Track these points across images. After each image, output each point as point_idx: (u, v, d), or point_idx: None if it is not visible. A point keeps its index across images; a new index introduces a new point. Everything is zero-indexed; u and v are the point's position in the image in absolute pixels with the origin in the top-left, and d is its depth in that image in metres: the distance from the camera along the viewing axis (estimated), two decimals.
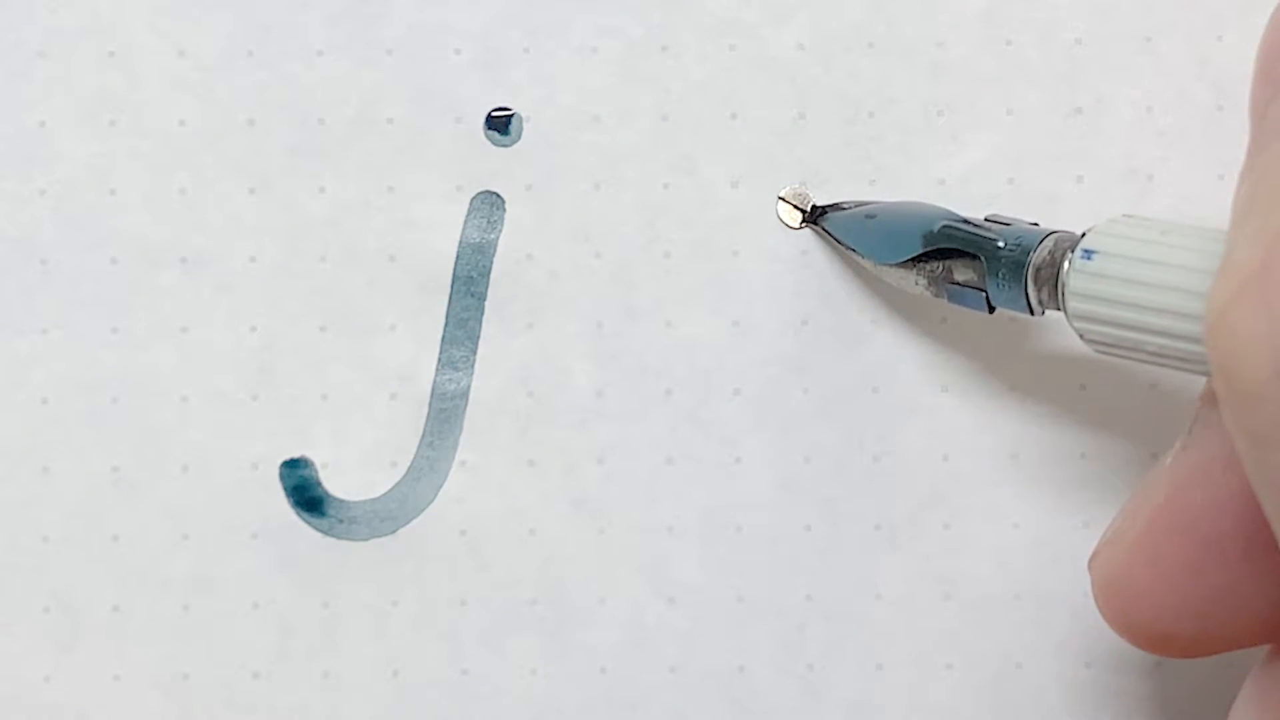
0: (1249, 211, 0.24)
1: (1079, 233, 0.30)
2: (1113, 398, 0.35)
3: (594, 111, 0.36)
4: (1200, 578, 0.27)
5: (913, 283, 0.33)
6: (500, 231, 0.36)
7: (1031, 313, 0.31)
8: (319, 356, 0.35)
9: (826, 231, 0.35)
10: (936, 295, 0.33)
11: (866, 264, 0.34)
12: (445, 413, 0.35)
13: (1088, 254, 0.29)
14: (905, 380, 0.36)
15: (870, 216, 0.34)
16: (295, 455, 0.35)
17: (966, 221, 0.33)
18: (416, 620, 0.35)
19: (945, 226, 0.33)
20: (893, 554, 0.35)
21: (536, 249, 0.36)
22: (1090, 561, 0.30)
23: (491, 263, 0.36)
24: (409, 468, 0.35)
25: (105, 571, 0.35)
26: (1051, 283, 0.30)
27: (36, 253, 0.35)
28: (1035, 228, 0.32)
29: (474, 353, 0.35)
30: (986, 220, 0.33)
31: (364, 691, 0.35)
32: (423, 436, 0.35)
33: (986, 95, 0.36)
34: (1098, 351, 0.29)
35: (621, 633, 0.35)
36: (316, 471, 0.35)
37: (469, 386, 0.35)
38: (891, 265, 0.33)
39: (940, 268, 0.33)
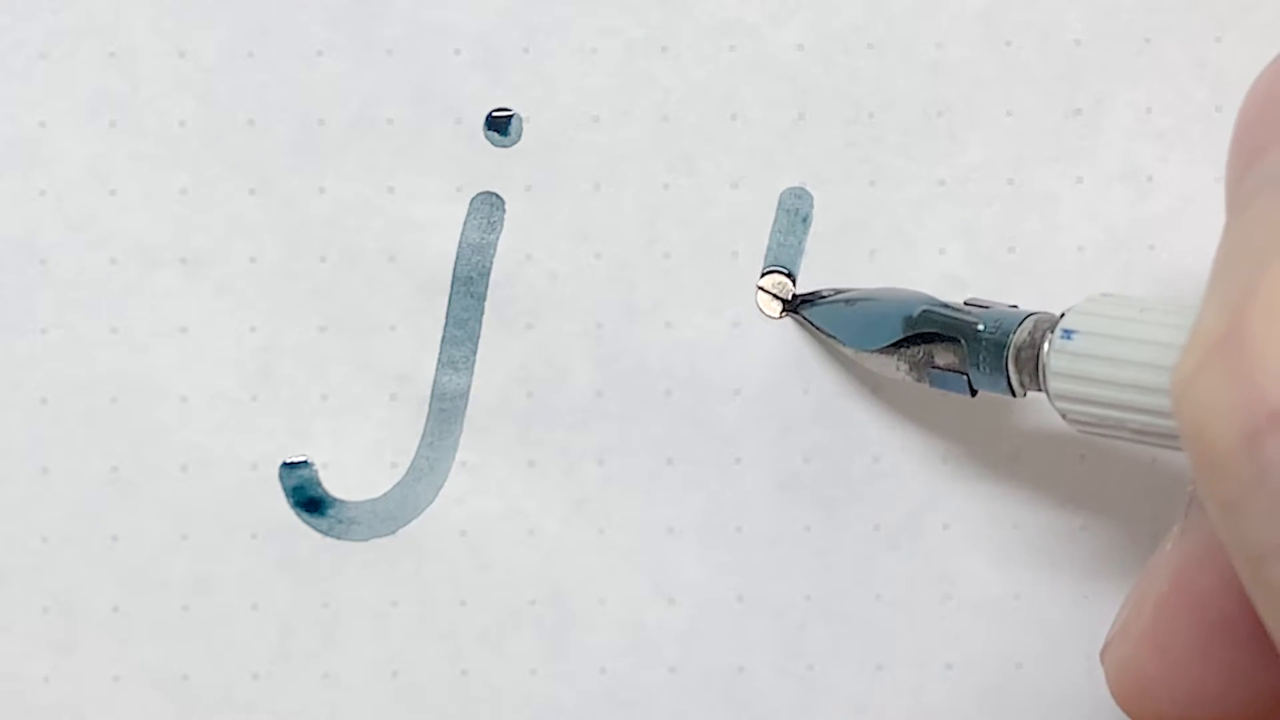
0: (1216, 280, 0.24)
1: (1058, 313, 0.30)
2: None
3: (594, 112, 0.36)
4: (1211, 662, 0.27)
5: (894, 368, 0.33)
6: (500, 232, 0.36)
7: (1014, 394, 0.31)
8: (319, 357, 0.35)
9: (807, 320, 0.35)
10: (918, 380, 0.33)
11: (848, 351, 0.34)
12: (445, 413, 0.35)
13: (1067, 334, 0.29)
14: (905, 381, 0.36)
15: (850, 304, 0.34)
16: (295, 455, 0.35)
17: (946, 305, 0.33)
18: (416, 620, 0.35)
19: (925, 311, 0.33)
20: (892, 554, 0.35)
21: (536, 249, 0.36)
22: (1102, 654, 0.30)
23: (491, 263, 0.36)
24: (409, 468, 0.35)
25: (105, 572, 0.35)
26: (1032, 364, 0.30)
27: (36, 253, 0.35)
28: (1014, 310, 0.32)
29: (474, 353, 0.36)
30: (966, 304, 0.33)
31: (364, 692, 0.35)
32: (423, 437, 0.35)
33: (986, 96, 0.36)
34: (1081, 432, 0.29)
35: (621, 633, 0.35)
36: (316, 472, 0.35)
37: (469, 387, 0.35)
38: (872, 351, 0.33)
39: (921, 352, 0.33)
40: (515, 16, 0.36)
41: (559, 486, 0.35)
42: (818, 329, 0.35)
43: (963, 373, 0.32)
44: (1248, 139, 0.26)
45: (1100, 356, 0.28)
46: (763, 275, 0.35)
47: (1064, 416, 0.29)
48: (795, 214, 0.35)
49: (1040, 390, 0.30)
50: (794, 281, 0.35)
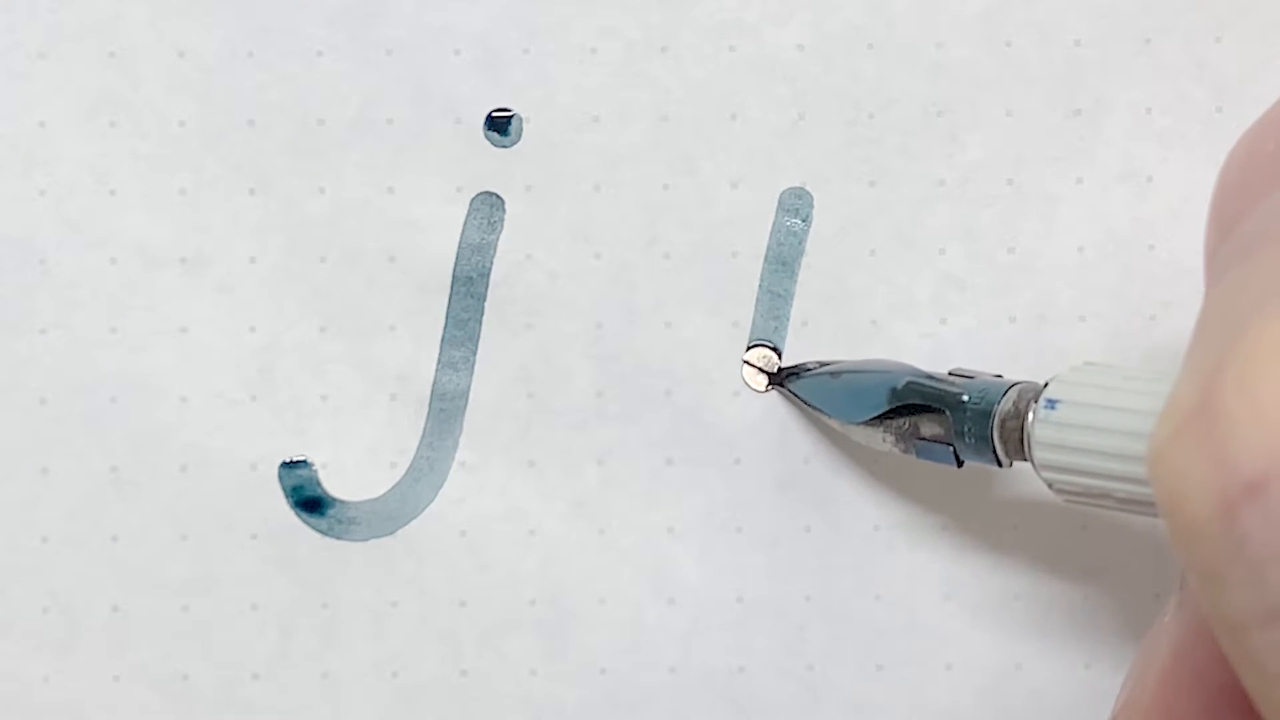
0: (1192, 350, 0.24)
1: (1041, 383, 0.30)
2: None
3: (594, 112, 0.36)
4: None
5: (880, 440, 0.33)
6: (500, 232, 0.36)
7: (1000, 465, 0.31)
8: (319, 357, 0.35)
9: (792, 393, 0.35)
10: (905, 451, 0.33)
11: (834, 424, 0.34)
12: (445, 413, 0.35)
13: (1051, 404, 0.29)
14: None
15: (835, 376, 0.34)
16: (295, 455, 0.35)
17: (930, 377, 0.33)
18: (416, 621, 0.35)
19: (910, 383, 0.33)
20: (892, 555, 0.35)
21: (536, 250, 0.36)
22: None
23: (491, 263, 0.36)
24: (408, 468, 0.35)
25: (104, 572, 0.35)
26: (1017, 434, 0.30)
27: (36, 253, 0.35)
28: (999, 380, 0.32)
29: (474, 353, 0.36)
30: (950, 375, 0.33)
31: (363, 692, 0.35)
32: (422, 437, 0.35)
33: (986, 96, 0.36)
34: (1067, 501, 0.29)
35: (621, 633, 0.35)
36: (316, 472, 0.35)
37: (469, 387, 0.35)
38: (858, 424, 0.33)
39: (907, 424, 0.33)
40: (515, 16, 0.36)
41: (559, 487, 0.35)
42: (804, 402, 0.35)
43: (948, 444, 0.32)
44: (1223, 210, 0.27)
45: (1084, 426, 0.28)
46: (748, 349, 0.35)
47: (1050, 486, 0.29)
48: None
49: (1026, 460, 0.30)
50: (779, 355, 0.35)
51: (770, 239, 0.36)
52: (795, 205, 0.36)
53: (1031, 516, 0.36)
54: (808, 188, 0.36)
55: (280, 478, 0.35)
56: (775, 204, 0.36)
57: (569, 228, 0.36)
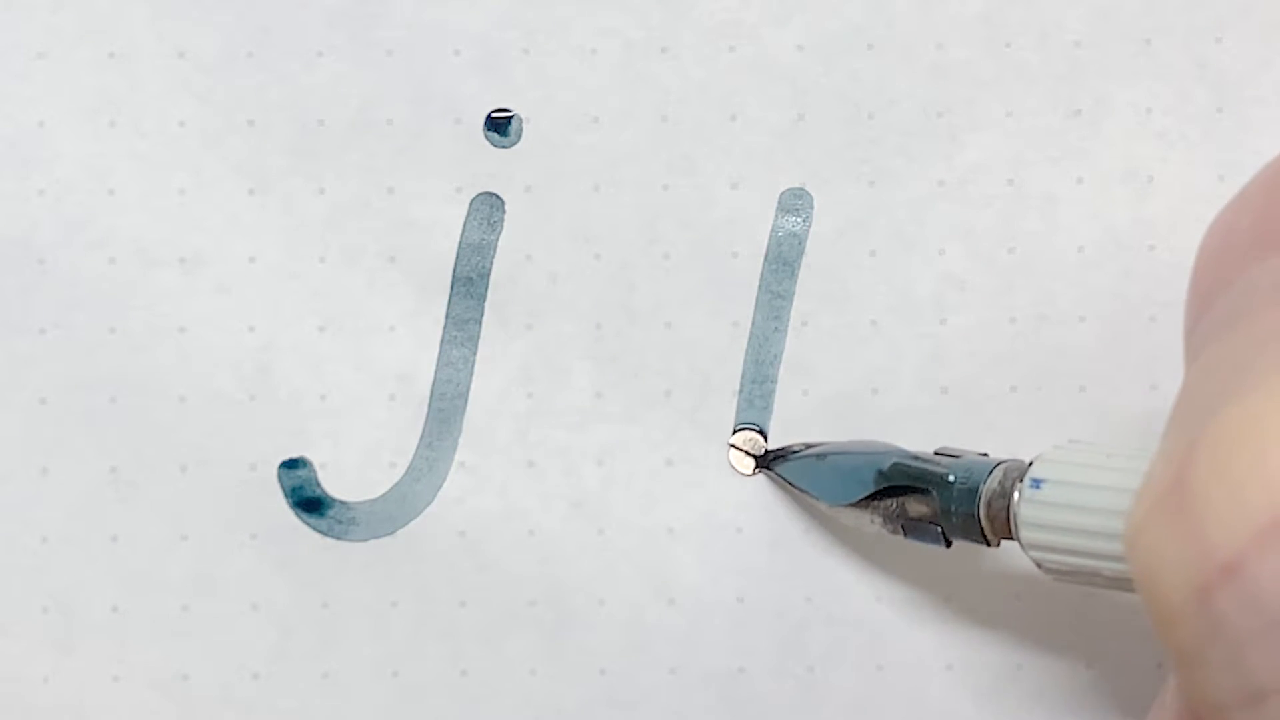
0: (1169, 429, 0.24)
1: (1027, 461, 0.30)
2: (1115, 399, 0.35)
3: (593, 113, 0.36)
4: None
5: (868, 522, 0.33)
6: (500, 232, 0.36)
7: (988, 544, 0.31)
8: (318, 357, 0.35)
9: (779, 476, 0.35)
10: (893, 533, 0.33)
11: (822, 506, 0.34)
12: (444, 413, 0.35)
13: (1036, 483, 0.29)
14: (905, 382, 0.36)
15: (821, 458, 0.34)
16: (294, 456, 0.35)
17: (915, 457, 0.33)
18: (416, 621, 0.35)
19: (896, 464, 0.33)
20: (892, 555, 0.35)
21: (536, 250, 0.36)
22: None
23: (491, 264, 0.36)
24: (408, 468, 0.35)
25: (104, 572, 0.35)
26: (1004, 514, 0.30)
27: (35, 252, 0.35)
28: (984, 459, 0.32)
29: (474, 353, 0.35)
30: (936, 454, 0.33)
31: (363, 692, 0.35)
32: (422, 437, 0.35)
33: (986, 97, 0.36)
34: (1056, 580, 0.29)
35: (621, 633, 0.35)
36: (315, 472, 0.35)
37: (468, 387, 0.35)
38: (846, 506, 0.33)
39: (894, 505, 0.33)
40: (515, 17, 0.36)
41: (559, 487, 0.35)
42: (791, 484, 0.35)
43: (936, 524, 0.32)
44: (1201, 285, 0.27)
45: (1069, 505, 0.28)
46: (734, 432, 0.35)
47: (1039, 566, 0.29)
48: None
49: (1014, 539, 0.30)
50: (765, 438, 0.35)
51: (770, 239, 0.36)
52: (795, 205, 0.36)
53: None
54: (808, 188, 0.36)
55: (280, 478, 0.35)
56: (775, 204, 0.36)
57: (569, 228, 0.36)
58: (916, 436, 0.36)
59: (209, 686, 0.35)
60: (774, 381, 0.35)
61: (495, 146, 0.36)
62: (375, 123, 0.35)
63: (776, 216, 0.36)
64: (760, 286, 0.36)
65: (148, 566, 0.35)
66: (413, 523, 0.35)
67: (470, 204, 0.36)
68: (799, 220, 0.36)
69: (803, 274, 0.36)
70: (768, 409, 0.35)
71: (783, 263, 0.36)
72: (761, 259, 0.36)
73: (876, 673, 0.35)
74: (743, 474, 0.35)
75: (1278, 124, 0.36)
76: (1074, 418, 0.35)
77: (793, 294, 0.36)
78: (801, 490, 0.35)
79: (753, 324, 0.36)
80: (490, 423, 0.35)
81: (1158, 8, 0.36)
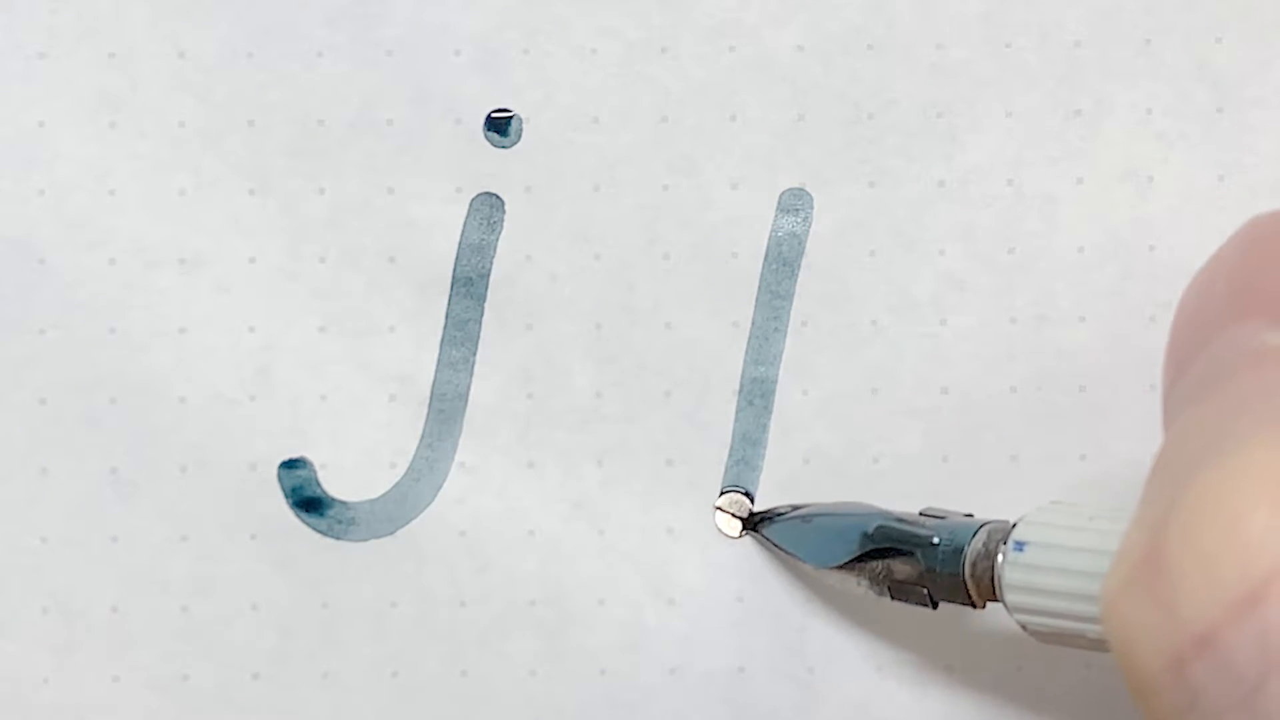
0: (1144, 496, 0.24)
1: (1010, 522, 0.30)
2: (1115, 399, 0.35)
3: (593, 113, 0.36)
4: None
5: (854, 584, 0.33)
6: (500, 233, 0.36)
7: (974, 606, 0.31)
8: (318, 357, 0.35)
9: (766, 539, 0.35)
10: (880, 595, 0.33)
11: (808, 568, 0.34)
12: (444, 414, 0.35)
13: (1019, 546, 0.29)
14: (905, 381, 0.36)
15: (806, 521, 0.34)
16: (294, 456, 0.35)
17: (900, 520, 0.33)
18: (416, 621, 0.35)
19: (880, 526, 0.33)
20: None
21: (536, 250, 0.36)
22: None
23: (491, 264, 0.36)
24: (408, 468, 0.35)
25: (104, 572, 0.35)
26: (988, 576, 0.31)
27: (35, 253, 0.35)
28: (969, 520, 0.32)
29: (473, 354, 0.35)
30: (921, 513, 0.33)
31: (363, 692, 0.35)
32: (422, 437, 0.35)
33: (986, 97, 0.36)
34: (1041, 641, 0.29)
35: (621, 634, 0.35)
36: (315, 472, 0.35)
37: (468, 387, 0.35)
38: (831, 569, 0.33)
39: (880, 567, 0.33)
40: (515, 17, 0.36)
41: (559, 487, 0.35)
42: (777, 547, 0.35)
43: (922, 586, 0.32)
44: (1177, 349, 0.27)
45: (1052, 568, 0.28)
46: (721, 494, 0.35)
47: (1024, 628, 0.29)
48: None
49: (999, 601, 0.30)
50: (752, 500, 0.35)
51: (770, 239, 0.36)
52: (795, 205, 0.36)
53: (1030, 509, 0.36)
54: (808, 188, 0.36)
55: (280, 478, 0.35)
56: (775, 204, 0.36)
57: (568, 228, 0.36)
58: (915, 438, 0.36)
59: (209, 687, 0.35)
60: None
61: (495, 146, 0.36)
62: (375, 123, 0.35)
63: (776, 216, 0.36)
64: (760, 286, 0.36)
65: (148, 567, 0.35)
66: (413, 523, 0.35)
67: (470, 204, 0.36)
68: (799, 220, 0.36)
69: (803, 274, 0.36)
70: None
71: (783, 263, 0.36)
72: (761, 259, 0.36)
73: (876, 673, 0.35)
74: (729, 536, 0.35)
75: (1278, 124, 0.36)
76: (1073, 418, 0.35)
77: (793, 294, 0.36)
78: (788, 553, 0.35)
79: (753, 324, 0.36)
80: (490, 423, 0.35)
81: (1158, 8, 0.36)
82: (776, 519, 0.35)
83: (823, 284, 0.36)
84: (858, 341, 0.36)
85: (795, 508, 0.35)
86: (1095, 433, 0.35)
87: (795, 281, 0.36)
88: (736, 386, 0.36)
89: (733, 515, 0.35)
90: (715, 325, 0.36)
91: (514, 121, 0.36)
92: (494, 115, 0.36)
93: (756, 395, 0.36)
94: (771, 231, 0.36)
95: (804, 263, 0.36)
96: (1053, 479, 0.35)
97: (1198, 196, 0.36)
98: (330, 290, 0.35)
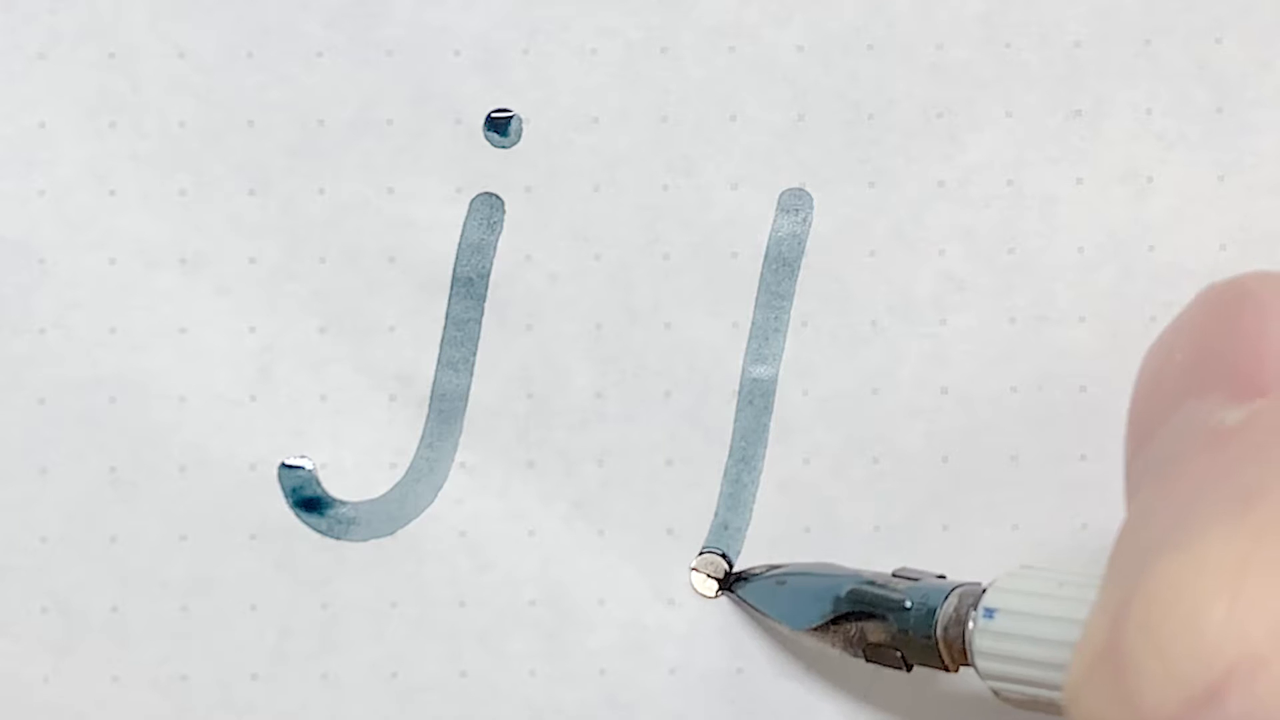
0: (1106, 578, 0.24)
1: (982, 586, 0.30)
2: (1115, 399, 0.35)
3: (593, 113, 0.36)
4: None
5: (830, 645, 0.33)
6: (500, 233, 0.36)
7: (947, 670, 0.31)
8: (318, 357, 0.35)
9: (742, 599, 0.35)
10: (855, 656, 0.33)
11: (784, 629, 0.34)
12: (444, 414, 0.35)
13: (989, 613, 0.29)
14: (905, 381, 0.36)
15: (781, 583, 0.34)
16: (294, 456, 0.35)
17: (871, 583, 0.33)
18: (415, 621, 0.35)
19: (853, 591, 0.33)
20: (892, 555, 0.35)
21: (536, 250, 0.36)
22: None
23: (491, 264, 0.36)
24: (408, 469, 0.35)
25: (103, 572, 0.35)
26: (960, 641, 0.31)
27: (35, 253, 0.35)
28: (941, 582, 0.32)
29: (473, 354, 0.35)
30: (895, 574, 0.33)
31: (363, 693, 0.35)
32: (422, 437, 0.35)
33: (986, 97, 0.36)
34: (1014, 707, 0.29)
35: (621, 634, 0.35)
36: (315, 472, 0.35)
37: (468, 388, 0.35)
38: (807, 630, 0.33)
39: (854, 630, 0.33)
40: (515, 17, 0.36)
41: (559, 487, 0.35)
42: (754, 608, 0.35)
43: (896, 649, 0.32)
44: (1138, 420, 0.27)
45: (1022, 636, 0.29)
46: (699, 555, 0.35)
47: (997, 694, 0.29)
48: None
49: (971, 665, 0.30)
50: (729, 562, 0.35)
51: (770, 239, 0.36)
52: (795, 206, 0.36)
53: (1031, 509, 0.36)
54: (807, 188, 0.36)
55: (280, 478, 0.35)
56: (775, 204, 0.36)
57: (568, 228, 0.36)
58: (915, 438, 0.36)
59: (208, 687, 0.35)
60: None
61: (495, 146, 0.36)
62: (375, 123, 0.35)
63: (776, 217, 0.36)
64: (760, 286, 0.36)
65: (147, 567, 0.35)
66: (413, 523, 0.35)
67: (470, 204, 0.36)
68: (799, 220, 0.36)
69: (803, 274, 0.36)
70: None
71: (783, 263, 0.36)
72: (761, 259, 0.36)
73: (875, 674, 0.35)
74: (705, 596, 0.35)
75: (1278, 124, 0.36)
76: (1073, 418, 0.35)
77: (793, 294, 0.36)
78: (764, 614, 0.35)
79: (752, 324, 0.36)
80: (490, 423, 0.35)
81: (1158, 8, 0.36)
82: (752, 579, 0.35)
83: (823, 284, 0.36)
84: (858, 341, 0.36)
85: (771, 568, 0.35)
86: (1095, 433, 0.35)
87: (795, 281, 0.36)
88: (736, 386, 0.36)
89: (708, 576, 0.35)
90: (715, 325, 0.36)
91: (514, 121, 0.36)
92: (494, 115, 0.36)
93: (756, 395, 0.36)
94: (771, 231, 0.36)
95: (804, 263, 0.36)
96: (1053, 479, 0.35)
97: (1198, 196, 0.36)
98: (330, 290, 0.35)
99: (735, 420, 0.36)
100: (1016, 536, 0.36)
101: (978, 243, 0.36)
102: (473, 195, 0.36)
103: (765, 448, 0.36)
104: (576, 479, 0.35)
